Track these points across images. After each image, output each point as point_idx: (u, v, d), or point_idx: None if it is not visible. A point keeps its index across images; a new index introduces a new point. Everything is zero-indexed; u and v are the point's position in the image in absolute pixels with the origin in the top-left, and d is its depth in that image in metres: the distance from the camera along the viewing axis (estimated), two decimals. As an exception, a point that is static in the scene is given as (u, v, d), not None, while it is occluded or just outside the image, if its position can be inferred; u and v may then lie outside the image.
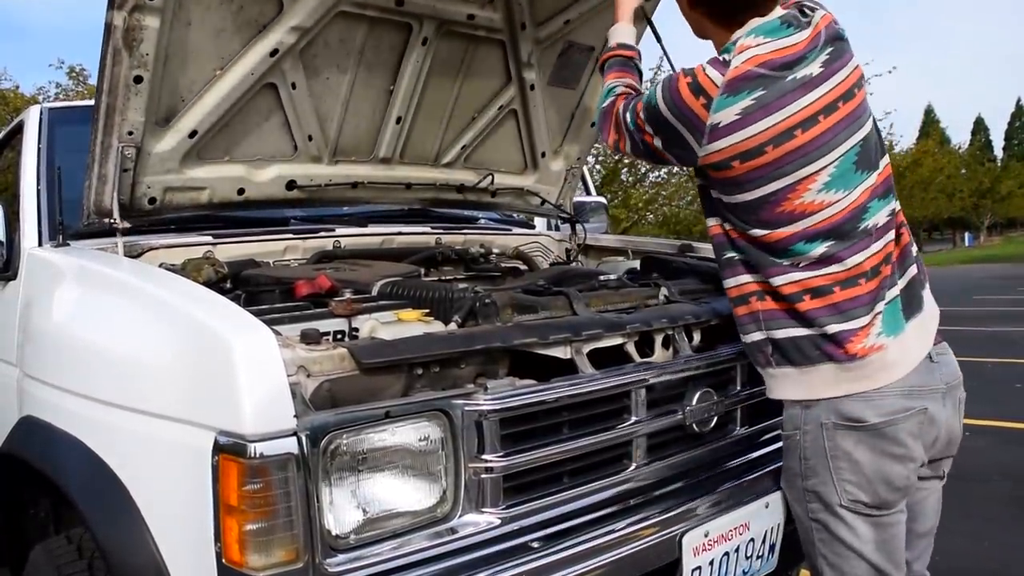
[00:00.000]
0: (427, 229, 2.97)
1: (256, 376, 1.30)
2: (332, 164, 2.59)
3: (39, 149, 2.62)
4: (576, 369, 1.72)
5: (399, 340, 1.52)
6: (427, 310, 1.76)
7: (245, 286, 2.16)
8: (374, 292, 2.00)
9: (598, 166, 19.73)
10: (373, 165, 2.70)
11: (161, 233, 2.39)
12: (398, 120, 2.62)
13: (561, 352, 1.73)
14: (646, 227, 25.68)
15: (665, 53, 2.31)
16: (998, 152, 63.65)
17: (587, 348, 1.77)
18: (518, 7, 2.61)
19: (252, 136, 2.36)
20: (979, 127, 64.23)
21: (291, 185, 2.53)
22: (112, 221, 2.08)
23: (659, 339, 1.93)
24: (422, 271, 2.41)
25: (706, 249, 3.04)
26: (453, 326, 1.71)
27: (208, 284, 2.07)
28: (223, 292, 1.96)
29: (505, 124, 2.93)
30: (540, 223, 3.80)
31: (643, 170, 23.89)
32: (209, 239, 2.40)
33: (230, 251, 2.40)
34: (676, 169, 24.84)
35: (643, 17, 2.39)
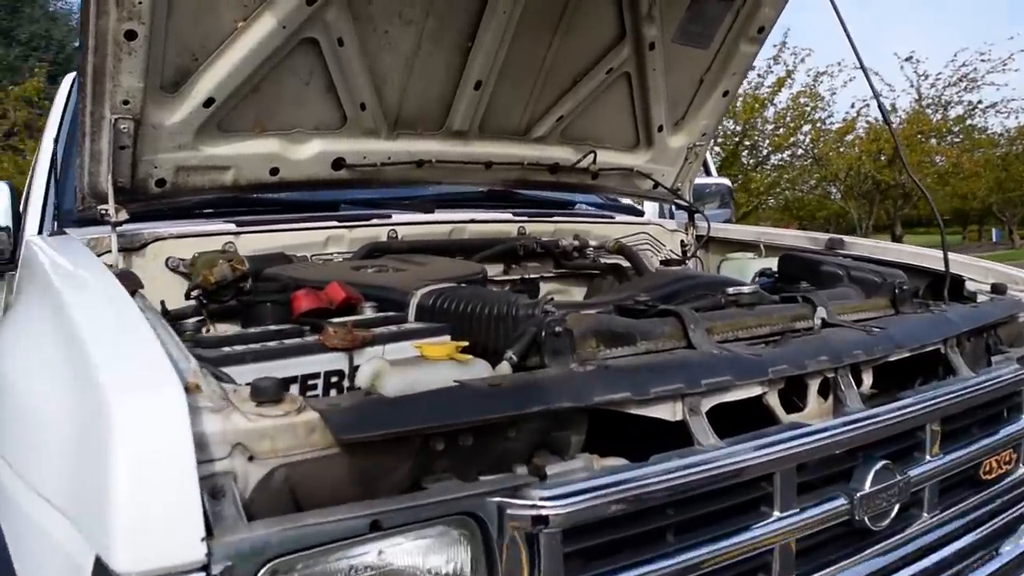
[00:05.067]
0: (508, 216, 2.56)
1: (140, 471, 0.77)
2: (392, 138, 2.18)
3: (60, 123, 2.45)
4: (689, 437, 1.14)
5: (406, 397, 0.97)
6: (466, 343, 1.20)
7: (266, 291, 1.69)
8: (412, 305, 1.47)
9: (716, 147, 18.72)
10: (444, 140, 2.29)
11: (174, 220, 1.98)
12: (477, 85, 2.19)
13: (668, 412, 1.15)
14: (767, 212, 24.48)
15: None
16: None
17: (707, 404, 1.18)
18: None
19: (288, 104, 1.97)
20: None
21: (338, 164, 2.13)
22: (103, 212, 1.72)
23: (814, 385, 1.32)
24: (487, 271, 1.89)
25: (859, 245, 2.39)
26: (505, 367, 1.15)
27: (222, 285, 1.73)
28: (228, 298, 1.64)
29: (614, 91, 2.46)
30: (650, 208, 3.33)
31: (765, 152, 22.79)
32: (231, 227, 2.01)
33: (257, 243, 2.02)
34: (800, 152, 23.59)
35: None
